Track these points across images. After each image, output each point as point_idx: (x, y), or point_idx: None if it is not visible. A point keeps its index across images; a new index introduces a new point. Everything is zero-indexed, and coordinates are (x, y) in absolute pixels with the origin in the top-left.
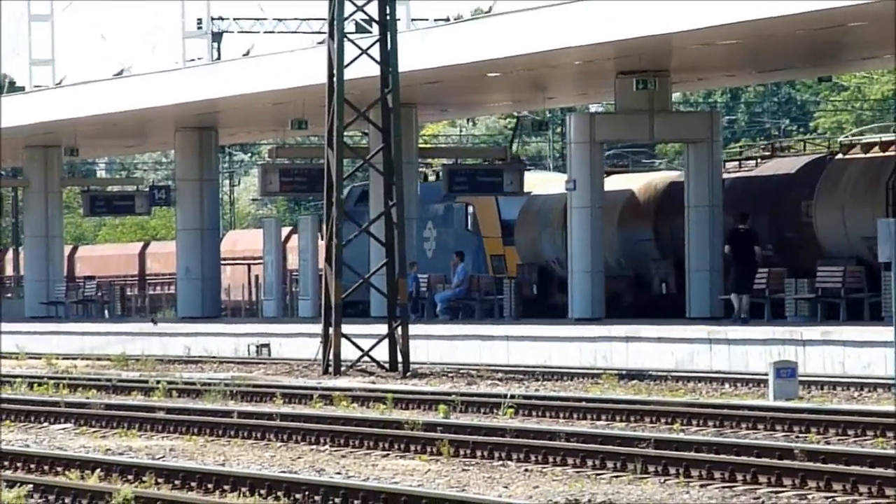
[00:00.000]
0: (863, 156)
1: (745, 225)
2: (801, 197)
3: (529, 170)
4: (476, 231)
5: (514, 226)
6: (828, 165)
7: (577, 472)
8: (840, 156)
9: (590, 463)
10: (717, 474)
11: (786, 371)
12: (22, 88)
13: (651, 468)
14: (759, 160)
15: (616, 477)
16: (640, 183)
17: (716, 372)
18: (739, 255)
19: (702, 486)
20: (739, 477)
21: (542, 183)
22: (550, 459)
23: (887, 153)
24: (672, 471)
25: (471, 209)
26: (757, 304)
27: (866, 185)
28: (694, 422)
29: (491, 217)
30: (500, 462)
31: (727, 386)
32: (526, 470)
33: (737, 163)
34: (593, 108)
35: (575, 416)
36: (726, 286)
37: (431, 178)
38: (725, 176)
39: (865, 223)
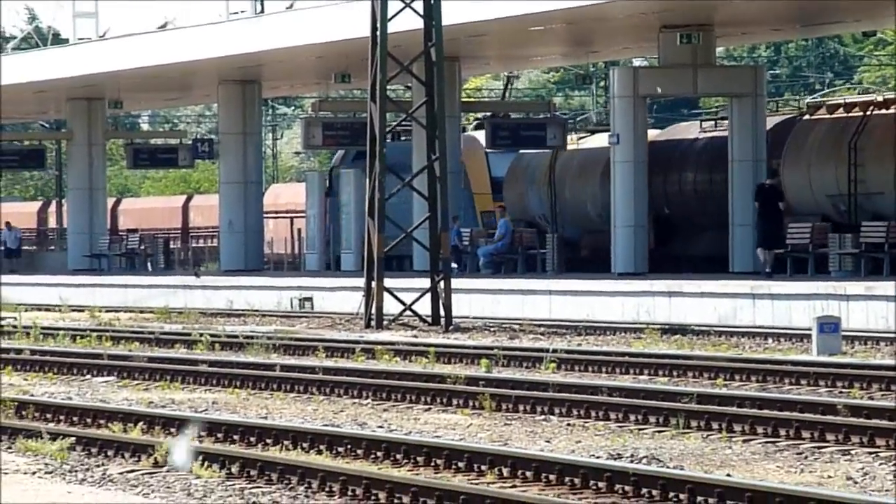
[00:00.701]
0: (828, 116)
1: (772, 180)
2: (771, 156)
3: None
4: (467, 187)
5: (503, 183)
6: (796, 126)
7: (620, 426)
8: (807, 116)
9: (632, 418)
10: (759, 429)
11: (829, 326)
12: (66, 41)
13: (694, 423)
14: None
15: (659, 432)
16: None
17: (759, 327)
18: (765, 211)
19: (745, 441)
20: (782, 432)
21: None
22: (593, 414)
23: (851, 114)
24: (715, 426)
25: (462, 166)
26: (800, 258)
27: (831, 144)
28: (737, 377)
29: (481, 174)
30: (543, 416)
31: (770, 341)
32: (568, 424)
33: (713, 122)
34: (636, 63)
35: (617, 370)
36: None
37: None
38: (701, 135)
39: (829, 182)
